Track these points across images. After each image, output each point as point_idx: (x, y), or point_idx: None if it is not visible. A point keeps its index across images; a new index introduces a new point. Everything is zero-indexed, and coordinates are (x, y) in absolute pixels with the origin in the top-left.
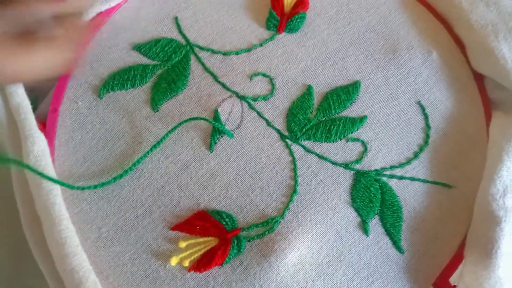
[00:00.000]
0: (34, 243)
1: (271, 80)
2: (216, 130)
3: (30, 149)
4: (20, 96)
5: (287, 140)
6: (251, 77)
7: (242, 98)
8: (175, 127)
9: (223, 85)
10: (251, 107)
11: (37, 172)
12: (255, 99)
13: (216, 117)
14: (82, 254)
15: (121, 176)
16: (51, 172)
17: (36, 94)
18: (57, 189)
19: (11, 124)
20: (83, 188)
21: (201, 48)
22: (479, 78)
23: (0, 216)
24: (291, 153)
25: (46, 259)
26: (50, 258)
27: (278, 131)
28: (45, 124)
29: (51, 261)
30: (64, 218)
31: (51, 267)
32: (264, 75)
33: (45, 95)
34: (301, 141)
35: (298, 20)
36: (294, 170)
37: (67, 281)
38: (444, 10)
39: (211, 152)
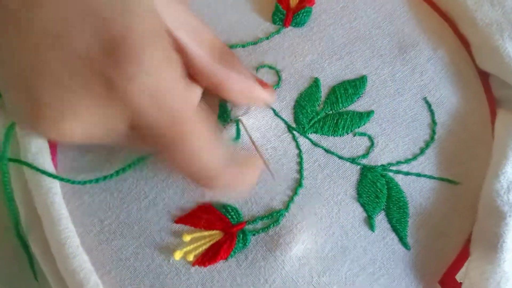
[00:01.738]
0: (35, 243)
1: (277, 72)
2: (222, 117)
3: (27, 147)
4: None
5: (294, 132)
6: (257, 69)
7: None
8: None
9: None
10: None
11: (36, 168)
12: None
13: (221, 103)
14: (83, 255)
15: (123, 170)
16: (50, 170)
17: None
18: (56, 188)
19: (7, 122)
20: (84, 183)
21: None
22: (484, 76)
23: (1, 216)
24: (297, 146)
25: (47, 259)
26: (52, 257)
27: (286, 122)
28: None
29: (53, 260)
30: (63, 217)
31: (53, 267)
32: (270, 67)
33: None
34: (308, 134)
35: (304, 15)
36: (300, 163)
37: (69, 281)
38: (448, 8)
39: None
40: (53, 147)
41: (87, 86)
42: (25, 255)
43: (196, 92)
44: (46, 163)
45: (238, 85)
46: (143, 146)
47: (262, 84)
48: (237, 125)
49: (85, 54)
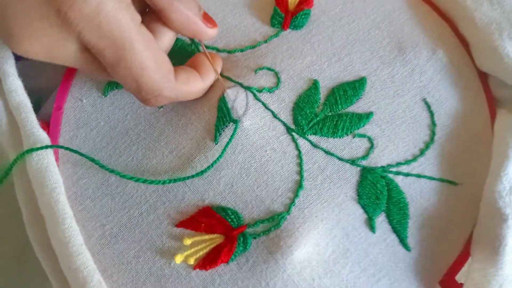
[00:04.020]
0: (37, 243)
1: (276, 74)
2: (220, 121)
3: (32, 147)
4: (20, 96)
5: (293, 134)
6: (255, 71)
7: (247, 88)
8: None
9: (228, 78)
10: (256, 97)
11: (72, 150)
12: (260, 91)
13: (220, 105)
14: (86, 253)
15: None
16: (54, 171)
17: (39, 94)
18: (60, 187)
19: (11, 124)
20: (112, 171)
21: (206, 47)
22: (483, 76)
23: (1, 217)
24: (297, 147)
25: (49, 258)
26: (54, 257)
27: (285, 124)
28: (49, 123)
29: (55, 260)
30: (67, 216)
31: (55, 267)
32: (269, 69)
33: (48, 96)
34: (307, 135)
35: (303, 17)
36: (300, 164)
37: (72, 280)
38: (448, 8)
39: (216, 144)
40: (54, 152)
41: (39, 10)
42: (25, 255)
43: (166, 39)
44: (51, 164)
45: (180, 15)
46: (96, 70)
47: (209, 20)
48: (236, 126)
49: None
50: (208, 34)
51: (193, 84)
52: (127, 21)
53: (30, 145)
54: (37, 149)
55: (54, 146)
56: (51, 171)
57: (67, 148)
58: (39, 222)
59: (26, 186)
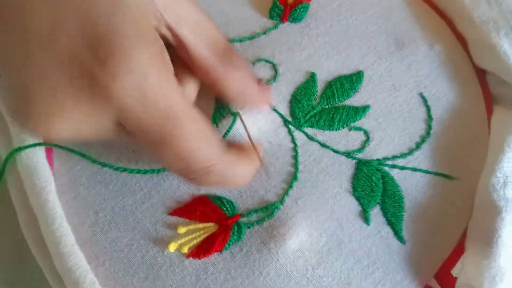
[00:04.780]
0: (32, 242)
1: (274, 66)
2: (217, 112)
3: (21, 145)
4: None
5: (290, 126)
6: (253, 63)
7: None
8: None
9: None
10: None
11: (61, 146)
12: None
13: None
14: (79, 253)
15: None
16: (43, 169)
17: None
18: (50, 186)
19: (2, 122)
20: (105, 165)
21: None
22: (481, 73)
23: (1, 214)
24: (293, 140)
25: (45, 257)
26: (49, 255)
27: (282, 116)
28: None
29: (50, 258)
30: (57, 216)
31: (51, 265)
32: (266, 61)
33: None
34: (304, 128)
35: (302, 10)
36: (295, 157)
37: (65, 279)
38: (446, 6)
39: None
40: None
41: (73, 84)
42: (25, 254)
43: (191, 88)
44: (40, 161)
45: (235, 84)
46: (131, 141)
47: (262, 86)
48: (234, 118)
49: (71, 52)
50: (261, 103)
51: (243, 164)
52: (174, 95)
53: (19, 144)
54: (26, 147)
55: (43, 144)
56: (40, 169)
57: (56, 145)
58: (34, 221)
59: (19, 185)
